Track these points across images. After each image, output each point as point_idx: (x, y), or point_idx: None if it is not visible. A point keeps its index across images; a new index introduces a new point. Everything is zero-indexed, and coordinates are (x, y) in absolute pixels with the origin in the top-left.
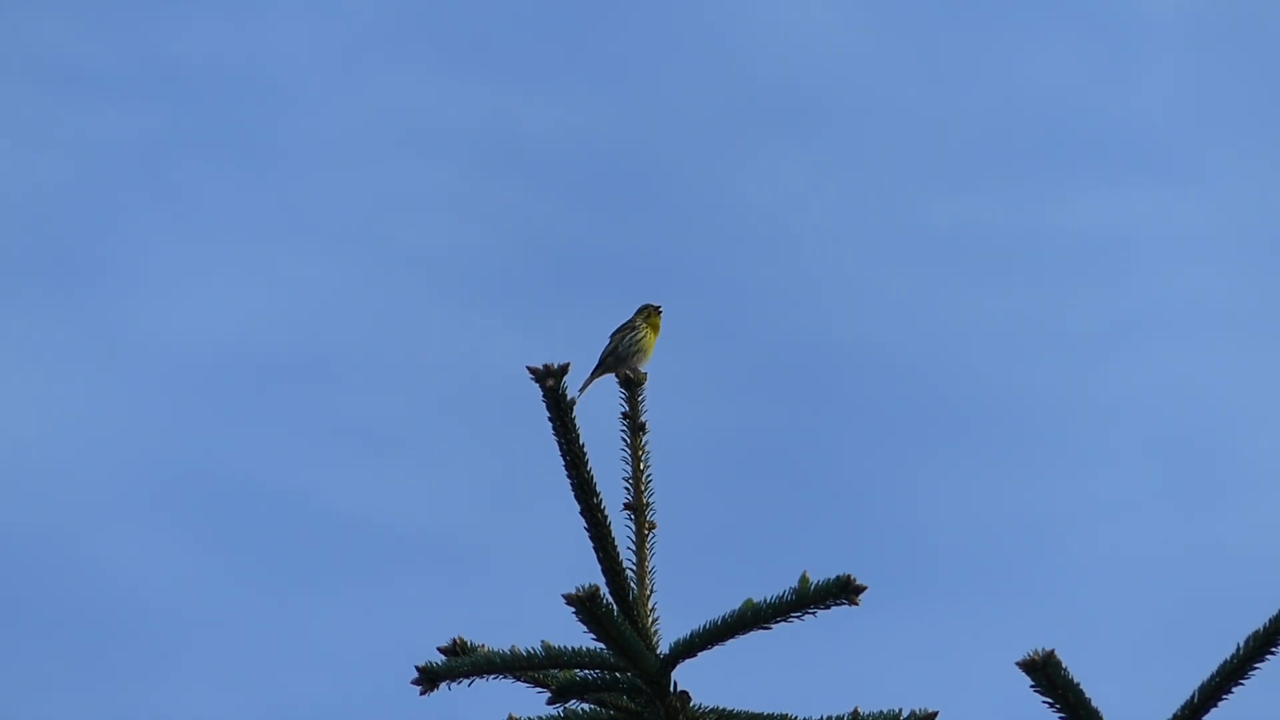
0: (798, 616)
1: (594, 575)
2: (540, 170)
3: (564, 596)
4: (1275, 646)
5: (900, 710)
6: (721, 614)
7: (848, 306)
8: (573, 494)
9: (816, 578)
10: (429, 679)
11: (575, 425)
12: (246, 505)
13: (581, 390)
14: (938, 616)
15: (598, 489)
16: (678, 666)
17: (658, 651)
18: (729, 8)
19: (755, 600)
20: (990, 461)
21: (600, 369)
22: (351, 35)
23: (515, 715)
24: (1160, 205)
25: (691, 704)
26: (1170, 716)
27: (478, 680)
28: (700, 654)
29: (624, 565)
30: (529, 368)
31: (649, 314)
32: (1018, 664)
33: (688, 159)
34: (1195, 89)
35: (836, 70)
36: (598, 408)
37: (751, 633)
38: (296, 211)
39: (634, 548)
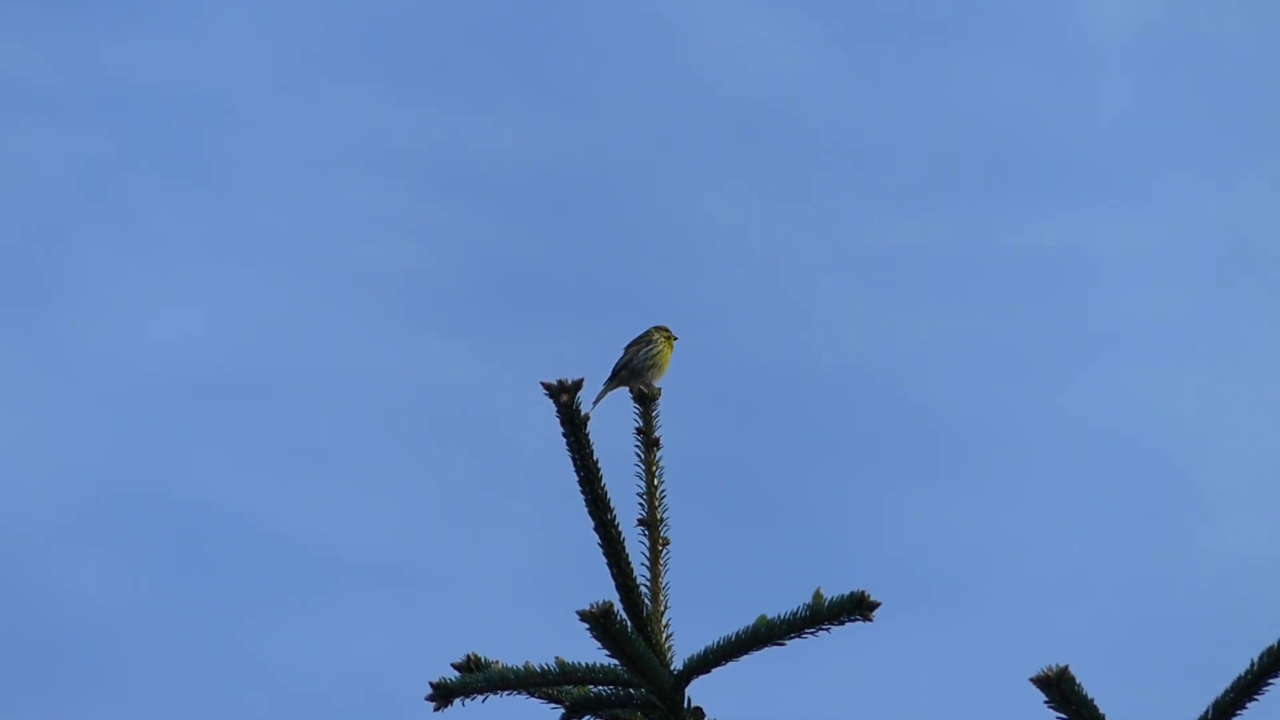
0: (812, 632)
1: (553, 593)
2: (491, 190)
3: (579, 613)
4: None
5: None
6: (735, 630)
7: (802, 327)
8: (586, 510)
9: (830, 594)
10: (443, 695)
11: (589, 441)
12: (196, 525)
13: (595, 403)
14: (906, 635)
15: (612, 505)
16: (692, 682)
17: (672, 667)
18: (680, 29)
19: (769, 616)
20: (949, 481)
21: (613, 381)
22: (301, 55)
23: None
24: (1113, 224)
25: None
26: None
27: (491, 696)
28: (714, 670)
29: (638, 581)
30: (543, 383)
31: (665, 332)
32: (1032, 680)
33: (638, 180)
34: (1146, 109)
35: (790, 92)
36: (608, 422)
37: (765, 649)
38: (245, 231)
39: (648, 564)
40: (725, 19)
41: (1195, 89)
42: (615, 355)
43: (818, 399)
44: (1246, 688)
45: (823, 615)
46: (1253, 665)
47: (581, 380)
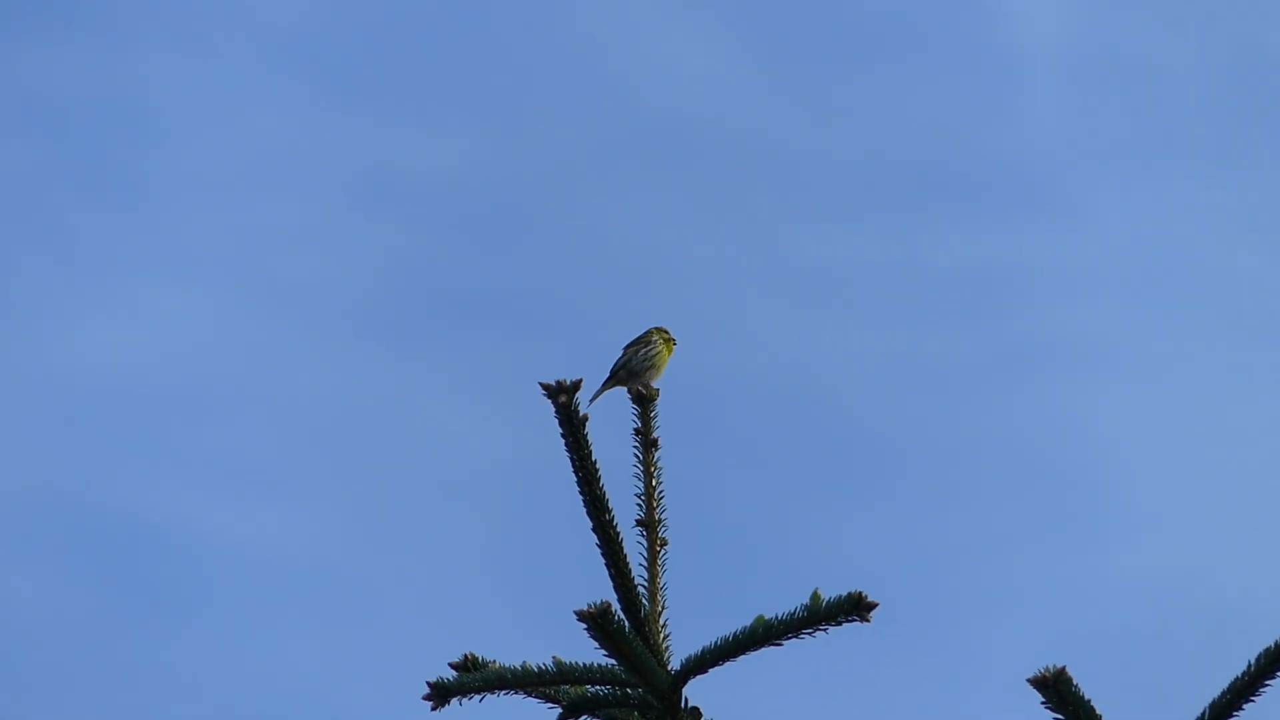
0: (809, 633)
1: (500, 603)
2: (421, 205)
3: (576, 613)
4: None
5: None
6: (733, 630)
7: (733, 341)
8: (585, 510)
9: (828, 594)
10: (440, 694)
11: (588, 442)
12: (126, 537)
13: (591, 402)
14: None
15: (610, 505)
16: (689, 682)
17: (669, 668)
18: (610, 45)
19: (767, 616)
20: (884, 496)
21: (611, 381)
22: (230, 71)
23: None
24: (1039, 241)
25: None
26: None
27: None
28: (711, 670)
29: (636, 581)
30: (541, 384)
31: (664, 334)
32: (1029, 680)
33: (568, 194)
34: (1076, 124)
35: (713, 105)
36: (605, 422)
37: (763, 649)
38: (174, 245)
39: (645, 564)
40: (655, 34)
41: (1125, 103)
42: (590, 359)
43: (745, 411)
44: (1243, 689)
45: (820, 616)
46: (1250, 667)
47: (580, 381)
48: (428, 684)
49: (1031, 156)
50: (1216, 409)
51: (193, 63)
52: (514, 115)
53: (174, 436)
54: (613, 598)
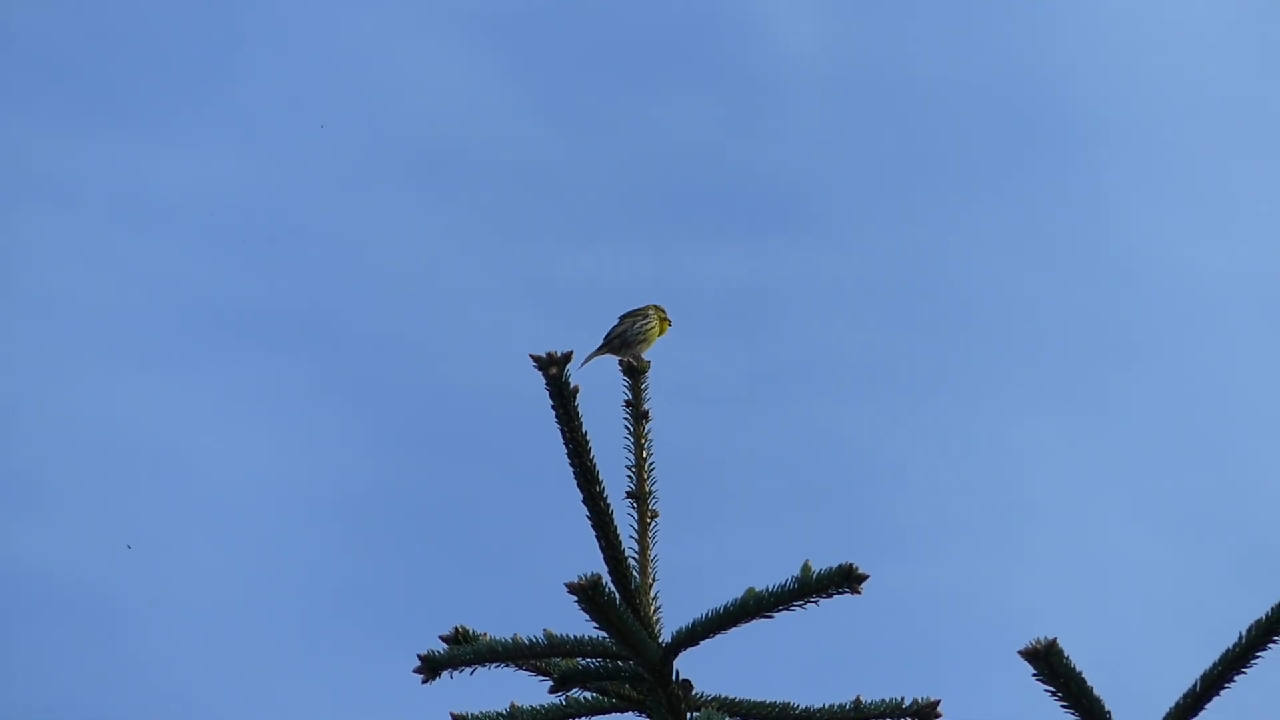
0: (800, 605)
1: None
2: (175, 221)
3: (567, 585)
4: (1277, 635)
5: (902, 699)
6: (724, 602)
7: (487, 359)
8: (575, 482)
9: (818, 566)
10: (431, 668)
11: (578, 413)
12: None
13: (581, 365)
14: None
15: (600, 477)
16: (680, 655)
17: (660, 640)
18: (365, 60)
19: (757, 589)
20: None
21: (603, 348)
22: None
23: (517, 704)
24: (797, 257)
25: (693, 692)
26: (1173, 704)
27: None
28: (702, 642)
29: (626, 554)
30: (532, 355)
31: (661, 312)
32: (1020, 652)
33: (324, 211)
34: (832, 140)
35: (471, 121)
36: (595, 393)
37: (754, 621)
38: None
39: (636, 536)
40: (412, 51)
41: (881, 118)
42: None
43: (483, 432)
44: (1234, 661)
45: (811, 588)
46: (1241, 638)
47: (570, 353)
48: (419, 657)
49: (792, 170)
50: (984, 425)
51: None
52: (274, 132)
53: None
54: (603, 570)
